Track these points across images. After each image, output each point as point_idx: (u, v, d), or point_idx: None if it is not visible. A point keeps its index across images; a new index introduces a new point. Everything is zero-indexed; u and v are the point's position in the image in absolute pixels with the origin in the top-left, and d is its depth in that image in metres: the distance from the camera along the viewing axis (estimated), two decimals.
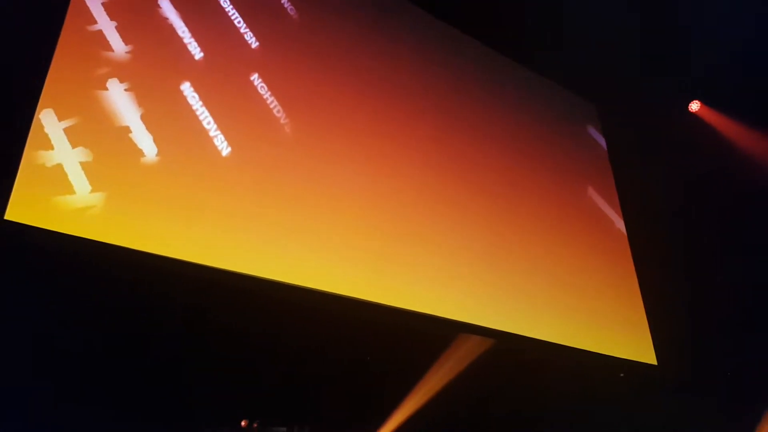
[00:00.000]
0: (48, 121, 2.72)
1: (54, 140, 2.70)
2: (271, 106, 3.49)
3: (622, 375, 4.57)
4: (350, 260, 3.41)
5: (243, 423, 3.31)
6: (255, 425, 3.31)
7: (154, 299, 2.96)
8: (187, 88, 3.21)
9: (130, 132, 2.92)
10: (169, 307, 3.00)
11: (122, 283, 2.88)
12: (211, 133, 3.18)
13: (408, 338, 3.68)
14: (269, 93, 3.51)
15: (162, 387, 2.95)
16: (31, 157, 2.62)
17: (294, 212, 3.31)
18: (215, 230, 3.01)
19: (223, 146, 3.19)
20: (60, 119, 2.75)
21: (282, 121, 3.50)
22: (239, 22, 3.61)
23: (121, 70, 3.01)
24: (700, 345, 4.70)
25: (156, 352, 2.98)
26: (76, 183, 2.69)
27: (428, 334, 3.80)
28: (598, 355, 4.30)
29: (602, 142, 5.63)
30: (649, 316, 4.78)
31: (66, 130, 2.74)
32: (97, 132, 2.83)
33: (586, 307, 4.44)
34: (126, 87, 3.00)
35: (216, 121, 3.21)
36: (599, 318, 4.49)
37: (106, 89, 2.94)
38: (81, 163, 2.73)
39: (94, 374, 2.79)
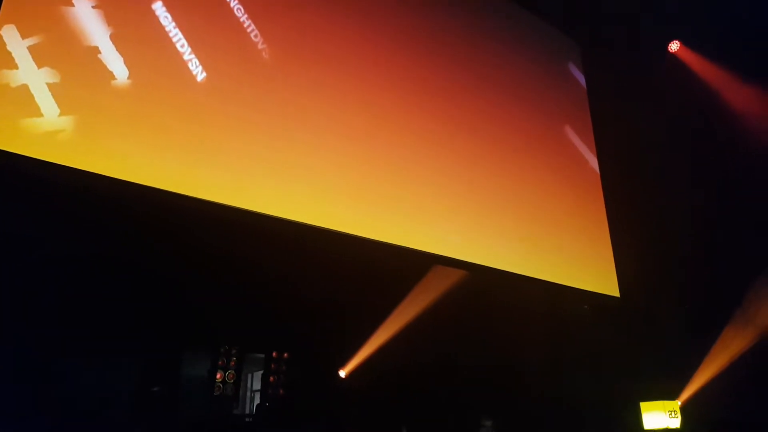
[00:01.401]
0: (10, 37, 2.56)
1: (18, 59, 2.55)
2: (249, 30, 3.34)
3: (586, 306, 4.80)
4: (328, 193, 3.40)
5: (222, 350, 3.41)
6: (233, 351, 3.41)
7: (127, 226, 2.94)
8: (159, 7, 3.04)
9: (99, 53, 2.79)
10: (143, 234, 2.98)
11: (94, 209, 2.84)
12: (185, 57, 3.05)
13: (385, 269, 3.77)
14: (246, 16, 3.35)
15: (142, 311, 3.00)
16: None
17: (270, 143, 3.25)
18: (189, 158, 2.94)
19: (197, 71, 3.07)
20: (23, 36, 2.59)
21: (260, 46, 3.37)
22: None
23: None
24: (661, 279, 4.92)
25: (132, 277, 3.00)
26: (43, 105, 2.57)
27: (404, 266, 3.90)
28: (565, 288, 4.48)
29: (582, 80, 5.62)
30: (615, 251, 4.96)
31: (30, 48, 2.59)
32: (64, 52, 2.69)
33: (556, 242, 4.58)
34: (93, 4, 2.82)
35: (190, 44, 3.07)
36: (568, 252, 4.64)
37: (72, 5, 2.76)
38: (48, 84, 2.60)
39: (63, 299, 2.80)
